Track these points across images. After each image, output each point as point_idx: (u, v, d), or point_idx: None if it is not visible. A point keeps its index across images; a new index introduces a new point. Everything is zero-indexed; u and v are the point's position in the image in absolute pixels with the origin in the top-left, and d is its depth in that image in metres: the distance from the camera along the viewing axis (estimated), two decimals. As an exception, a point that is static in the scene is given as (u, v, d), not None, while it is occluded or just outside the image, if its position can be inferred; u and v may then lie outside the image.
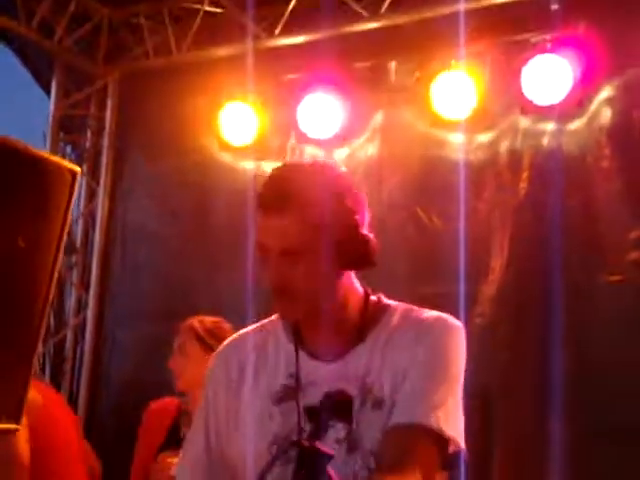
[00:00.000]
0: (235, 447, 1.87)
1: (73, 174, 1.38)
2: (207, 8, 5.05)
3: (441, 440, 1.73)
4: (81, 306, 5.40)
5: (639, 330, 3.86)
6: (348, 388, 1.73)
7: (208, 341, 3.28)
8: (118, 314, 5.28)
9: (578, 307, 3.97)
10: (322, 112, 4.63)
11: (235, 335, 1.99)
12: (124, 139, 5.43)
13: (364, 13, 4.65)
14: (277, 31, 4.87)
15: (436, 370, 1.78)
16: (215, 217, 5.00)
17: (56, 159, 1.38)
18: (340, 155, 4.68)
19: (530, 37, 4.28)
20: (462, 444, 1.76)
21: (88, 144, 5.54)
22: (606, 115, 4.15)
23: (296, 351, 1.83)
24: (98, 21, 5.29)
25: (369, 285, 1.91)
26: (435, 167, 4.48)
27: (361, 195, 1.84)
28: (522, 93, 4.21)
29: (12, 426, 1.37)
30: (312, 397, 1.72)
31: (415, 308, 1.88)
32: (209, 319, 3.41)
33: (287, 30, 4.85)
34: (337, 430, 1.74)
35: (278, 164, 1.86)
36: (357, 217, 1.80)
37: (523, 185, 4.27)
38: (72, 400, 5.14)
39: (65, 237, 1.37)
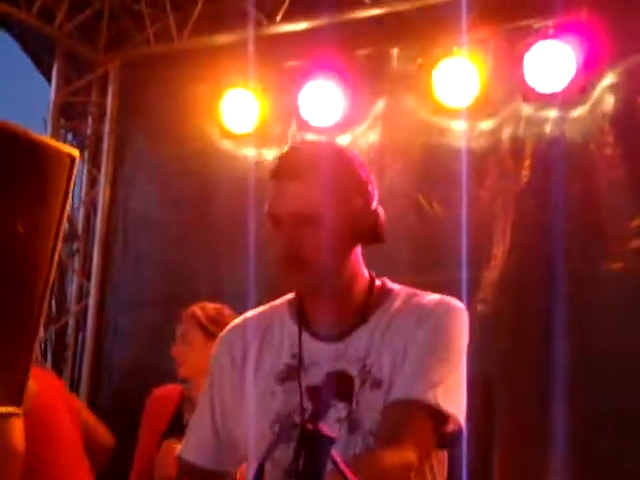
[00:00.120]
0: (241, 427, 1.88)
1: (72, 158, 1.37)
2: (208, -5, 5.04)
3: (439, 416, 1.73)
4: (83, 293, 5.39)
5: (640, 317, 3.86)
6: (349, 369, 1.76)
7: (210, 328, 3.27)
8: (120, 301, 5.28)
9: (580, 294, 3.97)
10: (323, 99, 4.60)
11: (238, 319, 2.00)
12: (125, 126, 5.42)
13: (366, 0, 4.63)
14: (278, 18, 4.85)
15: (436, 348, 1.78)
16: (216, 204, 4.99)
17: (55, 143, 1.38)
18: (341, 142, 4.66)
19: (532, 23, 4.26)
20: (462, 421, 1.75)
21: (89, 131, 5.53)
22: (609, 102, 4.13)
23: (299, 332, 1.84)
24: (99, 7, 5.27)
25: (371, 271, 1.92)
26: (437, 154, 4.47)
27: (371, 174, 1.88)
28: (524, 80, 4.19)
29: (12, 409, 1.37)
30: (314, 377, 1.76)
31: (418, 292, 1.88)
32: (211, 306, 3.41)
33: (288, 17, 4.83)
34: (338, 410, 1.75)
35: (279, 151, 1.87)
36: (370, 188, 1.83)
37: (525, 172, 4.26)
38: (74, 387, 5.16)
39: (65, 222, 1.37)
